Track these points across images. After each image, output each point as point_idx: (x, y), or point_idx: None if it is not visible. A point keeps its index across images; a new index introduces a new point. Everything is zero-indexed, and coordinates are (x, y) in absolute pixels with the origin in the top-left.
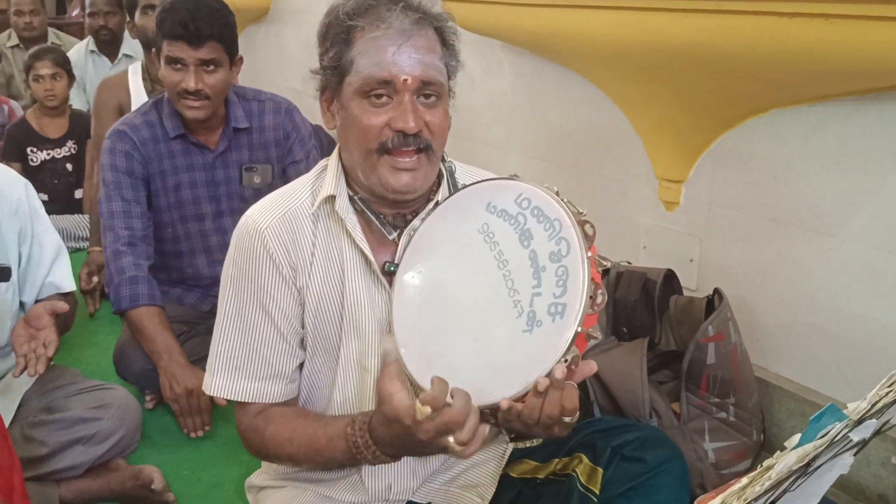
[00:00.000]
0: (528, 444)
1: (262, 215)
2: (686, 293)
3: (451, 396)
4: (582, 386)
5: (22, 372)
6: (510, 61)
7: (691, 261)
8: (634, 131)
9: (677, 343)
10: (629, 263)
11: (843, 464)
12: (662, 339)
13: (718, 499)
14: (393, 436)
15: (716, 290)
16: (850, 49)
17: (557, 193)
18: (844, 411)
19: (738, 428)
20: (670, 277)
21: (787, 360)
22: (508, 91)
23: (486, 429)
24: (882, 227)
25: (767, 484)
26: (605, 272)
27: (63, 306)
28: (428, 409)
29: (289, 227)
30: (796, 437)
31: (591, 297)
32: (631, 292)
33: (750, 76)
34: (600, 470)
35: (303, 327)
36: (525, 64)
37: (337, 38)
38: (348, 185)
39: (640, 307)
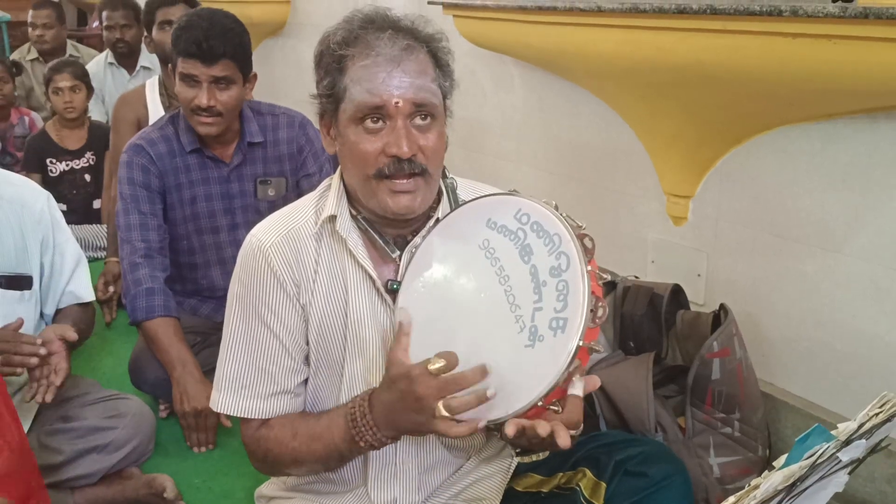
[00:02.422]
0: (533, 458)
1: (265, 234)
2: (693, 308)
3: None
4: (588, 399)
5: (32, 397)
6: (521, 77)
7: (699, 275)
8: (643, 147)
9: (684, 358)
10: (636, 278)
11: (839, 482)
12: (669, 354)
13: None
14: (392, 400)
15: (721, 306)
16: (852, 69)
17: (556, 208)
18: (833, 432)
19: (743, 443)
20: (677, 292)
21: (792, 374)
22: (519, 106)
23: (481, 422)
24: (887, 243)
25: (753, 503)
26: (612, 286)
27: (73, 335)
28: (442, 362)
29: (292, 245)
30: (783, 458)
31: (591, 310)
32: (638, 307)
33: (756, 94)
34: (604, 484)
35: (307, 344)
36: (536, 80)
37: (330, 66)
38: (351, 204)
39: (646, 322)
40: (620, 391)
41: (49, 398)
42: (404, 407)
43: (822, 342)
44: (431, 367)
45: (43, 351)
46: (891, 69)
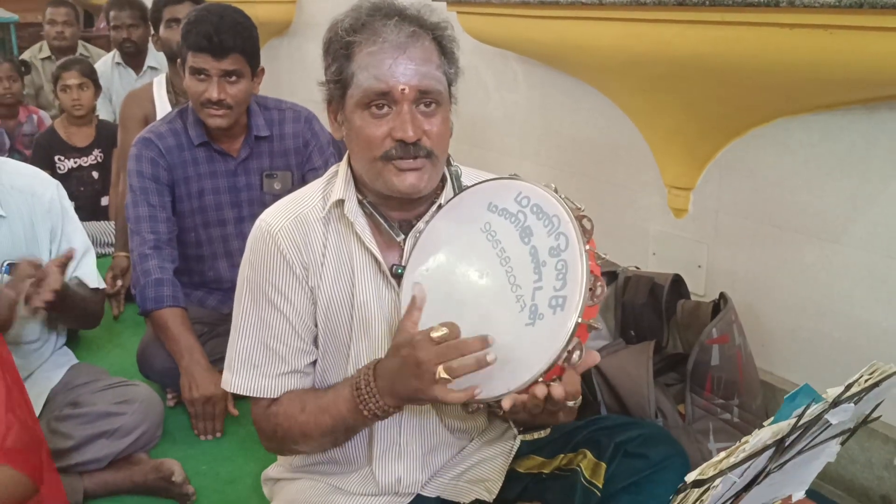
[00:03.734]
0: (535, 436)
1: (275, 218)
2: (694, 298)
3: None
4: (589, 386)
5: (35, 309)
6: (524, 72)
7: (699, 267)
8: (643, 140)
9: (684, 346)
10: (637, 268)
11: (831, 451)
12: (669, 343)
13: (697, 470)
14: (395, 366)
15: (721, 294)
16: (849, 59)
17: (556, 190)
18: (823, 395)
19: (742, 429)
20: (677, 282)
21: (792, 363)
22: (522, 101)
23: (477, 390)
24: (885, 233)
25: (742, 456)
26: (614, 276)
27: (70, 254)
28: (444, 330)
29: (301, 229)
30: (773, 418)
31: (590, 288)
32: (638, 296)
33: (754, 86)
34: (604, 465)
35: (315, 325)
36: (538, 75)
37: (337, 53)
38: (358, 189)
39: (647, 311)
40: (621, 378)
41: (49, 297)
42: (405, 373)
43: (821, 331)
44: (434, 333)
45: (37, 259)
46: (887, 59)
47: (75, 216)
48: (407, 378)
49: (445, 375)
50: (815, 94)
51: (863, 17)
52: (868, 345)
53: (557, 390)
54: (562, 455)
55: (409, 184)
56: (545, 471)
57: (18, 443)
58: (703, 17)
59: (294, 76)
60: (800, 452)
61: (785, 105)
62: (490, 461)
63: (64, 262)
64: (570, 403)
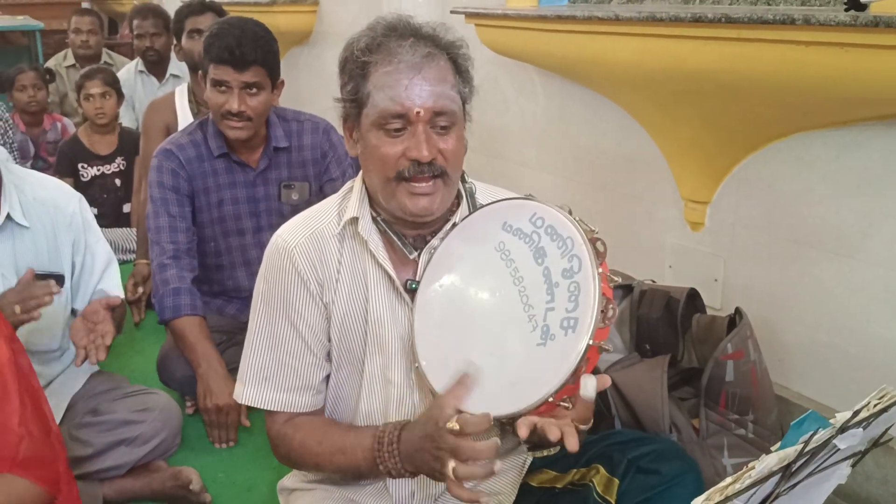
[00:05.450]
0: (545, 454)
1: (291, 235)
2: (710, 312)
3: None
4: (603, 399)
5: (83, 361)
6: (542, 84)
7: (716, 280)
8: (661, 153)
9: (699, 361)
10: (653, 282)
11: (841, 474)
12: (685, 357)
13: (704, 495)
14: (419, 440)
15: (736, 309)
16: (864, 77)
17: (570, 212)
18: (831, 420)
19: (756, 444)
20: (693, 296)
21: (807, 378)
22: (540, 113)
23: (483, 497)
24: None
25: (748, 482)
26: (629, 289)
27: (116, 299)
28: (456, 426)
29: (316, 246)
30: (780, 443)
31: (602, 311)
32: (654, 310)
33: (771, 102)
34: (616, 481)
35: (329, 341)
36: (556, 87)
37: (353, 72)
38: (371, 206)
39: (662, 325)
40: (636, 392)
41: (102, 356)
42: (425, 450)
43: (837, 346)
44: (444, 425)
45: (56, 288)
46: None
47: (97, 228)
48: (425, 456)
49: (452, 477)
50: (831, 110)
51: (878, 36)
52: (884, 360)
53: (571, 444)
54: (575, 470)
55: (422, 207)
56: (558, 485)
57: (32, 453)
58: (719, 33)
59: (314, 84)
60: (809, 475)
61: (801, 121)
62: (503, 475)
63: (111, 306)
64: (583, 427)
